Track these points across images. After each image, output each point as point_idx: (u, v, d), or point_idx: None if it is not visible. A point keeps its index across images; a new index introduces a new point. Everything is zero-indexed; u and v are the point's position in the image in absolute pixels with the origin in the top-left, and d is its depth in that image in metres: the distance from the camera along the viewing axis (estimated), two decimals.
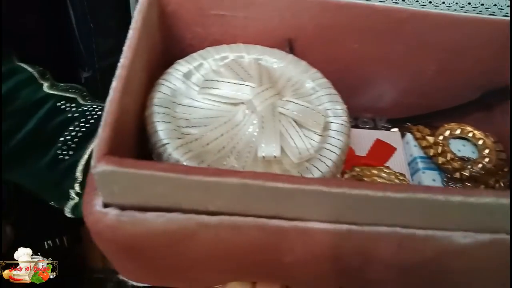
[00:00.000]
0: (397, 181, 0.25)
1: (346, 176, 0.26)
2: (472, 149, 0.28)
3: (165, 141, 0.20)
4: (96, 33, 0.42)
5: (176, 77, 0.22)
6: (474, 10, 0.33)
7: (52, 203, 0.29)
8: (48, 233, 0.58)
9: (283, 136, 0.21)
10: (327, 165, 0.20)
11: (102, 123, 0.16)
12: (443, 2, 0.33)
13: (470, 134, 0.29)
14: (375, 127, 0.30)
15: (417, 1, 0.33)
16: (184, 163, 0.19)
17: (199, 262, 0.19)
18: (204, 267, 0.19)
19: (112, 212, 0.17)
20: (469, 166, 0.26)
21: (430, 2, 0.33)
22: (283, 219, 0.16)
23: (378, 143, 0.28)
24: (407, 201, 0.15)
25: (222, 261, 0.19)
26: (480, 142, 0.28)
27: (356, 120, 0.31)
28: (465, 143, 0.29)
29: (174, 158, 0.19)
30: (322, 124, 0.21)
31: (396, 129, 0.30)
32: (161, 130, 0.20)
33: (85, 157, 0.27)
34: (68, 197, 0.28)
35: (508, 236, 0.17)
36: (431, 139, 0.28)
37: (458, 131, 0.29)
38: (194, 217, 0.17)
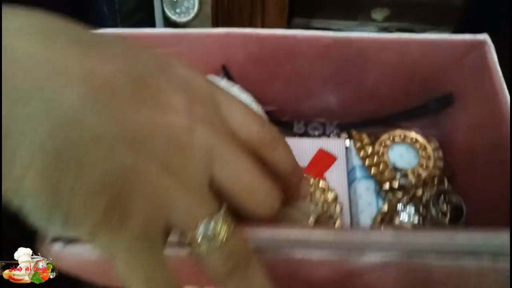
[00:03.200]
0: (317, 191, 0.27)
1: None
2: (414, 154, 0.30)
3: None
4: None
5: None
6: None
7: None
8: None
9: None
10: None
11: None
12: None
13: (413, 140, 0.30)
14: (323, 133, 0.32)
15: None
16: None
17: None
18: None
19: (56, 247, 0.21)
20: (399, 177, 0.28)
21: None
22: None
23: (320, 153, 0.30)
24: None
25: None
26: (422, 148, 0.29)
27: (306, 126, 0.32)
28: (408, 148, 0.30)
29: None
30: None
31: (345, 135, 0.32)
32: None
33: None
34: None
35: None
36: (369, 149, 0.29)
37: (401, 137, 0.30)
38: None
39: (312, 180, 0.28)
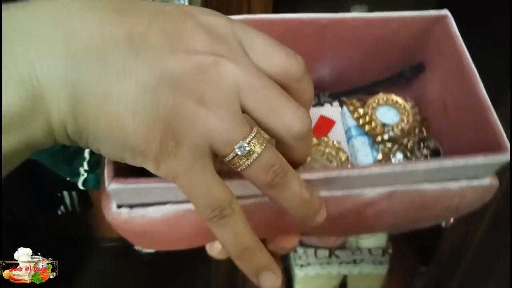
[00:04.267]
0: (332, 150, 0.33)
1: None
2: (396, 112, 0.36)
3: None
4: None
5: None
6: None
7: (67, 178, 0.37)
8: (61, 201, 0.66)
9: None
10: None
11: None
12: None
13: (394, 101, 0.36)
14: (319, 103, 0.37)
15: None
16: None
17: (190, 234, 0.27)
18: (194, 237, 0.28)
19: (124, 211, 0.24)
20: (388, 130, 0.34)
21: None
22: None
23: (321, 119, 0.35)
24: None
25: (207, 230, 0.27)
26: (401, 107, 0.36)
27: None
28: (390, 108, 0.36)
29: None
30: None
31: (336, 103, 0.37)
32: None
33: None
34: (78, 174, 0.36)
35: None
36: (361, 110, 0.35)
37: (384, 100, 0.36)
38: (181, 206, 0.25)
39: (327, 140, 0.33)
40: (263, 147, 0.20)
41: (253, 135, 0.19)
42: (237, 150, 0.19)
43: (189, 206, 0.24)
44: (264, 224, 0.27)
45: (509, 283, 0.71)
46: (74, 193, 0.69)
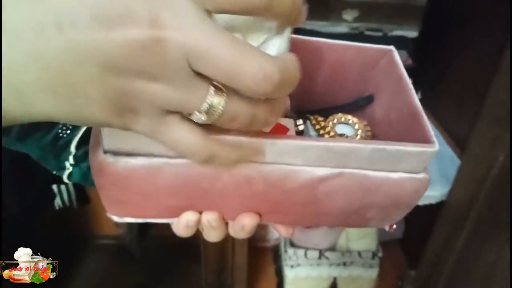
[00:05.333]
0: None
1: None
2: (351, 129, 0.42)
3: None
4: None
5: None
6: None
7: (54, 172, 0.40)
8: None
9: None
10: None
11: None
12: None
13: (350, 120, 0.42)
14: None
15: None
16: None
17: (164, 189, 0.30)
18: (167, 194, 0.31)
19: (110, 156, 0.28)
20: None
21: None
22: None
23: (277, 125, 0.41)
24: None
25: (179, 188, 0.30)
26: (356, 125, 0.42)
27: None
28: (346, 126, 0.42)
29: None
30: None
31: (300, 120, 0.43)
32: None
33: (79, 135, 0.38)
34: (64, 167, 0.38)
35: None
36: (322, 123, 0.41)
37: (342, 119, 0.42)
38: (161, 159, 0.28)
39: None
40: (221, 106, 0.20)
41: (210, 93, 0.19)
42: (195, 115, 0.20)
43: (167, 160, 0.28)
44: (229, 205, 0.31)
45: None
46: (72, 188, 0.69)
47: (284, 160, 0.30)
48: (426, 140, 0.32)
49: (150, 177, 0.29)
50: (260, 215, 0.34)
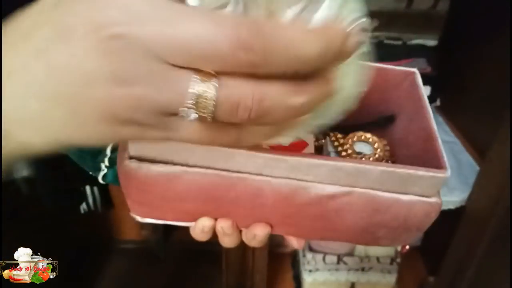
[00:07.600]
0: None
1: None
2: (369, 148, 0.43)
3: None
4: None
5: None
6: None
7: (90, 172, 0.44)
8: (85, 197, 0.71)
9: None
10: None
11: None
12: None
13: (370, 139, 0.43)
14: None
15: None
16: None
17: (181, 195, 0.32)
18: (184, 200, 0.33)
19: (134, 162, 0.31)
20: (361, 158, 0.40)
21: None
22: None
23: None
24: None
25: (195, 195, 0.32)
26: (375, 144, 0.42)
27: None
28: (366, 144, 0.43)
29: None
30: None
31: (320, 136, 0.44)
32: None
33: None
34: (100, 168, 0.42)
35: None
36: (341, 140, 0.42)
37: (362, 137, 0.43)
38: (180, 167, 0.31)
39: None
40: (212, 93, 0.17)
41: (194, 87, 0.17)
42: (184, 112, 0.18)
43: (186, 168, 0.31)
44: (242, 213, 0.33)
45: None
46: (97, 192, 0.74)
47: (295, 176, 0.32)
48: (438, 165, 0.33)
49: (169, 183, 0.31)
50: (271, 226, 0.35)
